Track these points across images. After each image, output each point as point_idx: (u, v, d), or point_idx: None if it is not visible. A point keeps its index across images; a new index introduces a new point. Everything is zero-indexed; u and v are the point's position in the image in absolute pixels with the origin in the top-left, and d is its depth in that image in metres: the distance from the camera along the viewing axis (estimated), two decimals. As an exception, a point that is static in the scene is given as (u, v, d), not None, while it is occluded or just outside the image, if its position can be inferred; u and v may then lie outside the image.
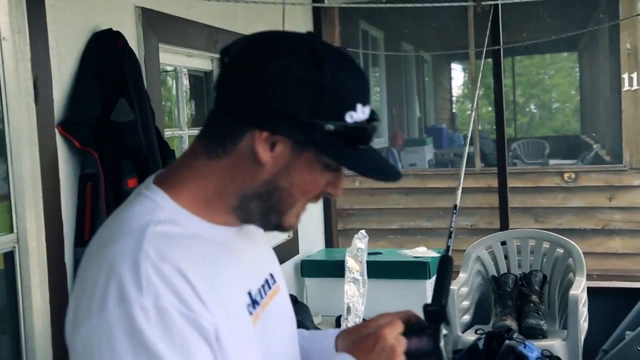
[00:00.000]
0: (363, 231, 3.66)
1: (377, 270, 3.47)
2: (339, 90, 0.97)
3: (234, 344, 0.97)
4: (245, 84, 0.97)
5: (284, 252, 3.49)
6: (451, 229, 1.40)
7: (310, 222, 3.91)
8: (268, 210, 1.02)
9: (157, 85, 2.40)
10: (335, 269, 3.51)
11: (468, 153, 9.57)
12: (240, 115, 0.98)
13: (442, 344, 1.09)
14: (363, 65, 8.05)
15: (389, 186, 6.55)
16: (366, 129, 0.99)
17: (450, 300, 3.57)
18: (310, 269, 3.64)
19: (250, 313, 1.03)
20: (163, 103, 2.72)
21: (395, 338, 1.05)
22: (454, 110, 13.14)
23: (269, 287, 1.11)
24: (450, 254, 1.42)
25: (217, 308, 0.96)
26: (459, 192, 1.42)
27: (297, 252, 3.67)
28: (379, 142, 8.81)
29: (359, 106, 0.98)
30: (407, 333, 1.07)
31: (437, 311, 1.10)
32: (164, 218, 0.99)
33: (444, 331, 1.11)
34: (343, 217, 6.77)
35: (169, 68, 2.68)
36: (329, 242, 4.16)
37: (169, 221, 0.99)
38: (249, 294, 1.04)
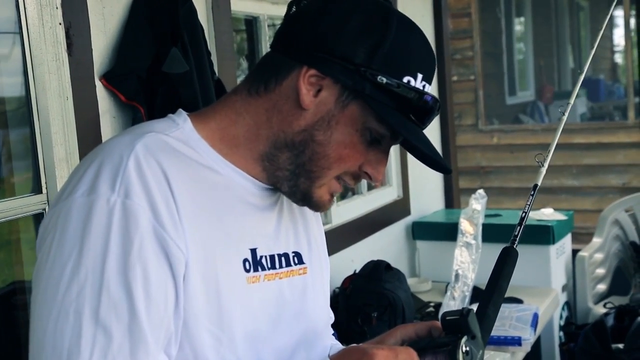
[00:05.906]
0: (481, 191, 3.31)
1: (494, 233, 3.10)
2: (402, 50, 0.90)
3: (204, 291, 0.86)
4: (303, 22, 0.92)
5: (392, 213, 3.26)
6: (523, 214, 1.11)
7: (427, 181, 3.63)
8: (298, 168, 0.93)
9: (227, 36, 2.21)
10: (449, 232, 3.22)
11: (622, 105, 8.60)
12: (290, 51, 0.92)
13: None
14: (505, 15, 7.51)
15: (530, 142, 6.09)
16: (423, 97, 0.90)
17: (579, 267, 3.19)
18: (422, 231, 3.38)
19: (247, 270, 0.92)
20: (243, 56, 2.56)
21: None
22: (615, 60, 12.02)
23: (288, 263, 1.00)
24: (516, 246, 1.08)
25: (194, 243, 0.85)
26: (544, 169, 1.13)
27: (409, 213, 3.41)
28: (525, 95, 8.23)
29: (420, 76, 0.91)
30: (421, 349, 0.89)
31: (457, 322, 0.89)
32: (177, 136, 0.91)
33: (465, 348, 0.89)
34: (480, 174, 6.41)
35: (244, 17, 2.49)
36: (449, 202, 3.86)
37: (181, 140, 0.90)
38: (253, 251, 0.93)
